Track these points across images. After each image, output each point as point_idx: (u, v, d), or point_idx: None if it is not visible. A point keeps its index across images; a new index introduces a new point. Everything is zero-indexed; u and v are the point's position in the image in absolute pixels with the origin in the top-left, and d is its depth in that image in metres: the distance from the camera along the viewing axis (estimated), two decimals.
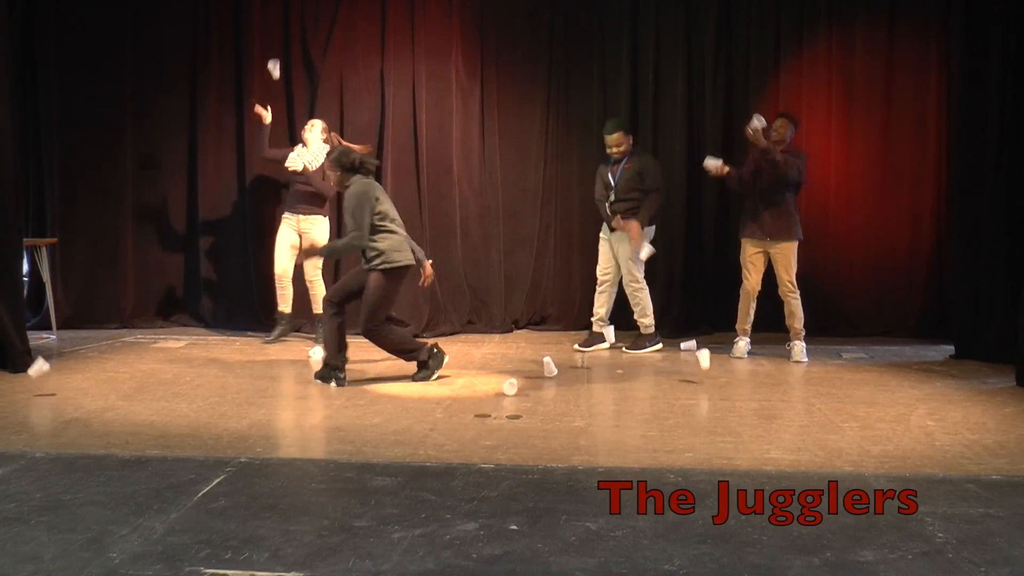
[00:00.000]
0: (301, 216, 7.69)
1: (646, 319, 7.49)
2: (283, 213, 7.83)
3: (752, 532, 3.48)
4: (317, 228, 7.72)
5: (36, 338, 7.58)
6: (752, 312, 7.29)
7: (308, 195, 7.69)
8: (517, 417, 5.32)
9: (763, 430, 5.06)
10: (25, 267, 7.88)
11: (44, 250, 8.17)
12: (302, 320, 8.07)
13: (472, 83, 8.59)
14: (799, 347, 7.12)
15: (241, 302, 8.58)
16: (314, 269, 7.72)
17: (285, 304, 7.86)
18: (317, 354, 6.82)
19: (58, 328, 8.18)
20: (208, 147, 8.60)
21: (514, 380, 5.95)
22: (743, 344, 7.28)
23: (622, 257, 7.40)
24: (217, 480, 4.05)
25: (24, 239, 7.49)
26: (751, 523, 3.57)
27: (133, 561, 3.20)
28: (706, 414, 5.50)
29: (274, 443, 4.74)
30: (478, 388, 6.12)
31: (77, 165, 8.56)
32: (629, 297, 7.52)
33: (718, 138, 8.31)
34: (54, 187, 8.51)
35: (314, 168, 7.64)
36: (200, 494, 3.87)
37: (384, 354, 6.43)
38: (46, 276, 8.18)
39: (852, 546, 3.35)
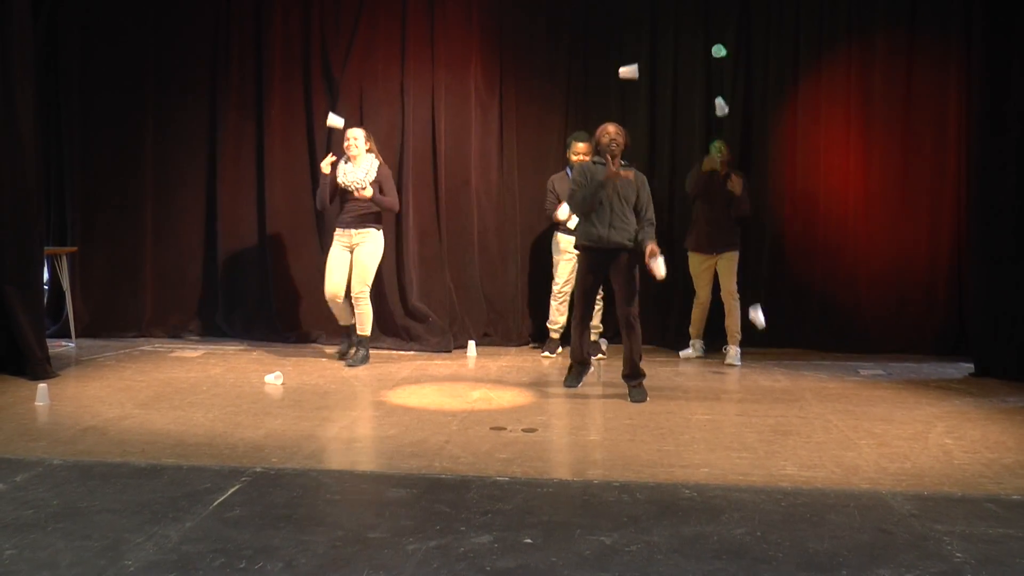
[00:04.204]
0: (354, 231, 7.31)
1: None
2: (335, 230, 7.41)
3: (767, 549, 3.46)
4: (368, 242, 7.31)
5: (55, 346, 7.63)
6: (705, 320, 7.87)
7: (364, 212, 7.30)
8: (533, 430, 5.32)
9: (779, 446, 5.03)
10: (45, 275, 7.93)
11: (64, 259, 8.23)
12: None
13: (491, 96, 8.61)
14: (734, 351, 7.61)
15: (259, 312, 8.60)
16: (362, 285, 7.29)
17: (344, 319, 7.49)
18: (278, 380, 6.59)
19: (77, 336, 8.23)
20: (227, 157, 8.64)
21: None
22: (699, 344, 7.88)
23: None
24: (232, 489, 4.06)
25: (44, 247, 7.54)
26: (766, 539, 3.55)
27: (148, 569, 3.21)
28: (722, 429, 5.47)
29: (290, 453, 4.75)
30: (494, 401, 6.11)
31: (97, 175, 8.62)
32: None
33: (736, 152, 8.27)
34: (74, 196, 8.58)
35: (370, 183, 7.23)
36: (215, 503, 3.88)
37: (408, 363, 6.37)
38: (66, 284, 8.22)
39: (869, 564, 3.33)
